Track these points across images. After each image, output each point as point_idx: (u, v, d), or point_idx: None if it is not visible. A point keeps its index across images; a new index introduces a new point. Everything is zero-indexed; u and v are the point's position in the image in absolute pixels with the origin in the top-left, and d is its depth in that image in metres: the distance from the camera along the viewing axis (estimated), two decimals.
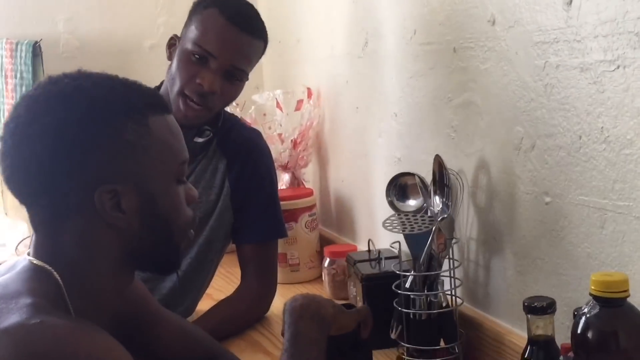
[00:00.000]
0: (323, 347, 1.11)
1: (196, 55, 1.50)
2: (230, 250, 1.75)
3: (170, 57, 1.57)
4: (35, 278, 0.91)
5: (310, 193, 2.04)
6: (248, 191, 1.63)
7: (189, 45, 1.51)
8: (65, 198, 0.91)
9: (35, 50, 2.22)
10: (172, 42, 1.58)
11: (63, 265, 0.92)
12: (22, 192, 0.94)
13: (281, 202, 1.74)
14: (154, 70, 2.43)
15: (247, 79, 1.57)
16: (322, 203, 2.17)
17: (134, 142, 0.92)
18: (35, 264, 0.92)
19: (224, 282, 1.89)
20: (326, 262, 1.83)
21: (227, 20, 1.49)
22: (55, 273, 0.91)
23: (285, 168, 2.13)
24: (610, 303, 0.93)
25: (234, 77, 1.53)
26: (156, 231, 0.96)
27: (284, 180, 2.12)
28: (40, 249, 0.94)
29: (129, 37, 2.45)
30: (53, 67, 2.29)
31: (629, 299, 0.93)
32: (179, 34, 1.58)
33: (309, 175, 2.22)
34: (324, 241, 2.01)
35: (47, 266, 0.91)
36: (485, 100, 1.32)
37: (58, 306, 0.90)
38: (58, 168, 0.90)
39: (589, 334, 0.93)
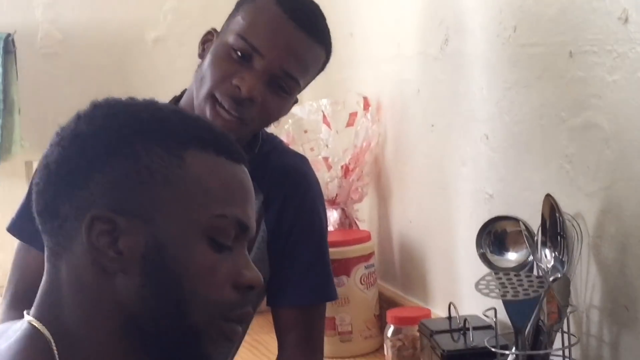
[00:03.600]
0: None
1: (238, 52, 1.51)
2: (259, 311, 1.77)
3: (202, 55, 1.59)
4: (30, 348, 0.95)
5: (366, 237, 2.07)
6: (290, 237, 1.65)
7: (230, 38, 1.51)
8: (64, 224, 0.95)
9: (8, 46, 2.29)
10: (208, 38, 1.59)
11: (60, 329, 0.96)
12: (37, 211, 1.00)
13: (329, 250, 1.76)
14: (159, 69, 2.50)
15: (298, 94, 1.59)
16: (382, 251, 2.19)
17: (154, 170, 0.95)
18: (33, 326, 0.96)
19: (251, 354, 1.93)
20: (389, 331, 1.85)
21: (285, 13, 1.50)
22: (52, 341, 0.94)
23: (333, 203, 2.16)
24: None
25: (282, 88, 1.54)
26: (162, 294, 0.96)
27: (331, 219, 2.14)
28: (42, 301, 0.98)
29: (127, 27, 2.50)
30: (29, 66, 2.36)
31: None
32: (217, 28, 1.59)
33: (365, 214, 2.25)
34: (386, 302, 2.04)
35: (45, 332, 0.95)
36: (614, 122, 1.34)
37: None
38: (59, 183, 0.96)
39: None
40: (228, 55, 1.51)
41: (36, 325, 0.96)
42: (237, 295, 0.99)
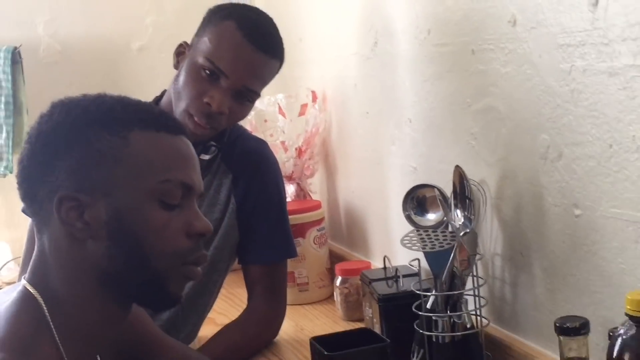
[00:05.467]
0: None
1: (206, 71, 1.52)
2: (232, 269, 1.79)
3: (177, 66, 1.59)
4: (23, 310, 0.97)
5: (318, 206, 2.08)
6: (255, 207, 1.67)
7: (199, 59, 1.52)
8: (42, 205, 0.98)
9: (15, 57, 2.27)
10: (181, 50, 1.60)
11: (49, 292, 0.98)
12: (21, 197, 1.02)
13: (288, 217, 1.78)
14: (144, 73, 2.50)
15: (258, 98, 1.61)
16: (331, 216, 2.21)
17: (105, 152, 0.96)
18: (26, 289, 0.98)
19: (226, 304, 1.92)
20: (338, 281, 1.87)
21: (244, 38, 1.50)
22: (41, 301, 0.97)
23: (290, 179, 2.16)
24: None
25: (245, 98, 1.56)
26: (126, 251, 0.97)
27: (289, 192, 2.15)
28: (34, 267, 1.00)
29: (115, 39, 2.49)
30: (34, 73, 2.35)
31: None
32: (188, 42, 1.60)
33: (316, 186, 2.26)
34: (335, 258, 2.05)
35: (35, 293, 0.97)
36: (508, 106, 1.36)
37: (45, 342, 0.95)
38: (32, 174, 0.99)
39: (626, 357, 0.98)
40: (198, 74, 1.53)
41: (28, 288, 0.98)
42: (191, 243, 1.00)
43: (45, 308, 0.96)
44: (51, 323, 0.95)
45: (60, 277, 0.98)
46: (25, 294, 0.98)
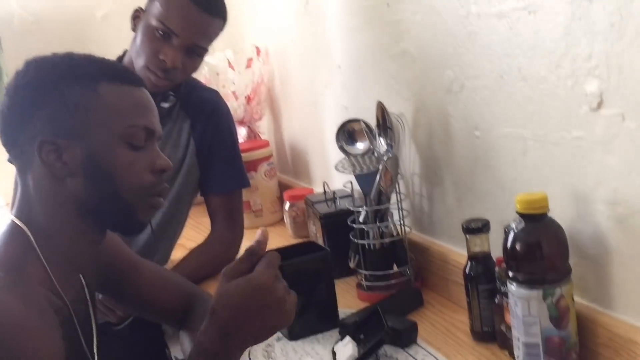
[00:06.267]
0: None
1: (159, 32, 1.52)
2: (197, 203, 1.82)
3: (134, 29, 1.59)
4: (13, 238, 0.99)
5: (266, 144, 2.09)
6: (211, 147, 1.69)
7: (152, 22, 1.53)
8: (22, 149, 0.98)
9: None
10: (137, 15, 1.60)
11: (35, 224, 0.98)
12: (2, 143, 1.02)
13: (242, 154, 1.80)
14: (108, 39, 2.44)
15: (207, 53, 1.61)
16: (278, 152, 2.22)
17: (77, 102, 0.97)
18: (14, 222, 0.99)
19: (194, 232, 1.95)
20: (287, 206, 1.90)
21: (190, 1, 1.51)
22: (27, 231, 0.98)
23: (241, 123, 2.18)
24: (533, 218, 1.04)
25: (195, 53, 1.56)
26: (100, 186, 0.99)
27: (241, 134, 2.17)
28: (19, 204, 1.01)
29: (81, 9, 2.44)
30: (10, 42, 2.30)
31: (549, 214, 1.04)
32: (142, 7, 1.60)
33: (264, 128, 2.27)
34: (283, 187, 2.07)
35: (22, 225, 0.98)
36: (419, 48, 1.39)
37: (34, 263, 0.96)
38: (12, 122, 0.99)
39: (517, 246, 1.04)
40: (153, 35, 1.53)
41: (16, 221, 0.99)
42: (154, 177, 1.03)
43: (31, 236, 0.97)
44: (37, 248, 0.97)
45: (43, 210, 0.99)
46: (13, 226, 0.99)
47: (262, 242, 0.98)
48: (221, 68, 2.17)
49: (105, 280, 1.19)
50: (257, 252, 0.97)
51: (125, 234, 1.12)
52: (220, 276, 0.97)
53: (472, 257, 1.22)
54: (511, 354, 1.11)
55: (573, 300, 1.04)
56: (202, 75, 2.16)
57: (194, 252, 1.68)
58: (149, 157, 1.02)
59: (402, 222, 1.43)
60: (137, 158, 1.00)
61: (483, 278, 1.20)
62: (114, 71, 1.02)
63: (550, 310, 1.02)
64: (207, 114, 1.69)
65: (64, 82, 0.98)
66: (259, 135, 2.22)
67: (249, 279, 0.94)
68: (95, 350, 1.06)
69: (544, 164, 1.12)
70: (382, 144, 1.44)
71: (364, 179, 1.42)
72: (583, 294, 1.08)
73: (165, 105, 1.61)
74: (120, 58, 1.65)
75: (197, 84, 1.75)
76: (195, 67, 1.61)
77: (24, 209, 1.00)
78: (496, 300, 1.17)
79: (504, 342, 1.16)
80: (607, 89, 0.97)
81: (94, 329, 1.07)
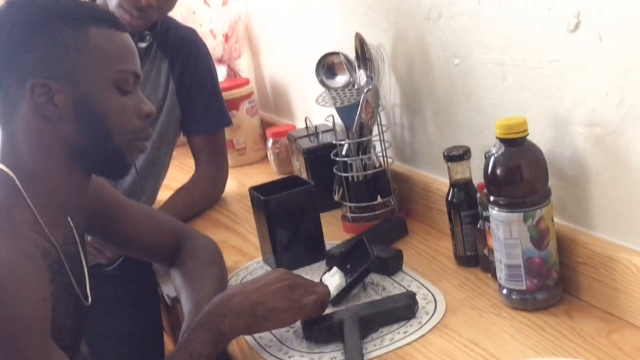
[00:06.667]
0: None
1: None
2: (181, 144, 1.82)
3: None
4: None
5: (246, 82, 2.07)
6: (191, 87, 1.68)
7: None
8: (8, 91, 0.97)
9: None
10: None
11: (21, 168, 0.98)
12: None
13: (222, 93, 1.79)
14: None
15: None
16: (259, 90, 2.21)
17: (68, 45, 0.96)
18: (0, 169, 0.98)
19: (179, 173, 1.96)
20: (270, 143, 1.90)
21: None
22: (13, 175, 0.97)
23: (220, 61, 2.16)
24: (513, 142, 1.05)
25: None
26: (92, 130, 0.99)
27: (220, 73, 2.14)
28: (3, 149, 1.00)
29: None
30: None
31: (528, 138, 1.05)
32: None
33: (244, 66, 2.24)
34: (265, 124, 2.07)
35: (8, 170, 0.97)
36: None
37: (20, 207, 0.96)
38: (0, 62, 0.96)
39: (498, 171, 1.05)
40: None
41: (1, 166, 0.98)
42: (141, 122, 1.03)
43: (17, 181, 0.97)
44: (24, 193, 0.97)
45: (31, 154, 0.98)
46: None
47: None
48: (197, 7, 2.13)
49: (94, 222, 1.20)
50: None
51: (112, 178, 1.12)
52: None
53: (454, 184, 1.23)
54: (494, 276, 1.14)
55: (553, 221, 1.06)
56: (178, 14, 2.12)
57: (180, 192, 1.69)
58: (136, 102, 1.03)
59: (384, 153, 1.44)
60: (126, 102, 1.01)
61: (465, 204, 1.22)
62: (102, 15, 1.01)
63: (531, 232, 1.04)
64: (185, 52, 1.67)
65: (53, 23, 0.96)
66: (238, 74, 2.20)
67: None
68: (88, 292, 1.07)
69: (523, 88, 1.12)
70: (361, 76, 1.44)
71: (345, 112, 1.41)
72: (563, 215, 1.10)
73: (143, 45, 1.60)
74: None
75: (174, 23, 1.73)
76: (170, 6, 1.58)
77: (9, 154, 0.99)
78: (478, 226, 1.19)
79: (487, 266, 1.18)
80: (583, 9, 0.97)
81: (85, 270, 1.09)
